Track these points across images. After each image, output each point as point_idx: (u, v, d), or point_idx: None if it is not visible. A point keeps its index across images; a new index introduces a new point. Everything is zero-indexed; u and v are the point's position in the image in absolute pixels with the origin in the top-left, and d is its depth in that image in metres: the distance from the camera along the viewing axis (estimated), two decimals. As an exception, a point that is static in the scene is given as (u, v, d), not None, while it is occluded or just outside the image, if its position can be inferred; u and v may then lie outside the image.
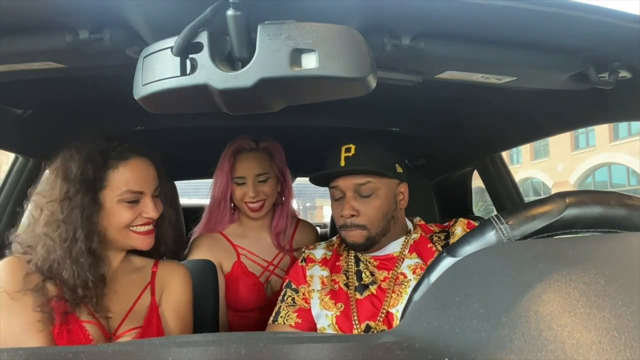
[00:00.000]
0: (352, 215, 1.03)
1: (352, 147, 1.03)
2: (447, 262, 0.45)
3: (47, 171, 0.92)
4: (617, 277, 0.26)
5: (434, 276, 0.44)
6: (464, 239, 0.46)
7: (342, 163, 1.03)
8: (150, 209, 0.93)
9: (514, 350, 0.23)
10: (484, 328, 0.25)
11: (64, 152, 0.91)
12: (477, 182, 2.11)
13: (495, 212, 1.08)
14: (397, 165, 1.07)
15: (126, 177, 0.90)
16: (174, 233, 1.07)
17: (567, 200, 0.45)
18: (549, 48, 0.70)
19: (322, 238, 1.45)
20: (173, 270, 1.05)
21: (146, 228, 0.95)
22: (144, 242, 0.95)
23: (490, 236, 0.44)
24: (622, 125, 15.75)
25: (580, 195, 0.46)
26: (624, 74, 0.76)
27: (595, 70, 0.74)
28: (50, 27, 0.60)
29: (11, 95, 0.97)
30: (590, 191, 0.47)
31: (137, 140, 0.96)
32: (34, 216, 0.89)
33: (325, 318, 1.05)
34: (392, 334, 0.31)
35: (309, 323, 1.08)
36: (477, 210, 2.45)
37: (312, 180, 1.12)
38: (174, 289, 1.02)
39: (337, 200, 1.08)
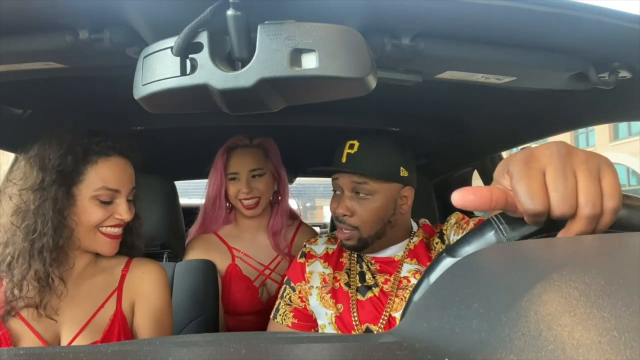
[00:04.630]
0: (345, 215, 1.02)
1: (356, 144, 1.00)
2: (447, 262, 0.44)
3: (21, 159, 0.86)
4: (617, 277, 0.26)
5: (434, 276, 0.44)
6: (464, 239, 0.46)
7: (344, 159, 1.01)
8: (123, 210, 0.89)
9: (514, 350, 0.23)
10: (484, 328, 0.25)
11: (43, 140, 0.86)
12: (477, 182, 2.11)
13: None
14: (402, 168, 1.02)
15: (104, 174, 0.87)
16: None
17: (567, 200, 0.45)
18: (549, 48, 0.70)
19: (322, 238, 1.45)
20: (146, 271, 0.96)
21: (115, 230, 0.90)
22: (110, 247, 0.90)
23: (490, 236, 0.44)
24: (622, 125, 15.75)
25: (580, 195, 0.46)
26: (624, 74, 0.76)
27: (595, 70, 0.74)
28: (50, 27, 0.60)
29: (11, 95, 0.97)
30: (590, 191, 0.47)
31: (122, 140, 0.92)
32: (2, 205, 0.83)
33: (325, 316, 1.05)
34: (392, 334, 0.31)
35: (306, 322, 1.08)
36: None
37: (315, 171, 1.12)
38: (149, 294, 0.94)
39: (336, 194, 1.07)
